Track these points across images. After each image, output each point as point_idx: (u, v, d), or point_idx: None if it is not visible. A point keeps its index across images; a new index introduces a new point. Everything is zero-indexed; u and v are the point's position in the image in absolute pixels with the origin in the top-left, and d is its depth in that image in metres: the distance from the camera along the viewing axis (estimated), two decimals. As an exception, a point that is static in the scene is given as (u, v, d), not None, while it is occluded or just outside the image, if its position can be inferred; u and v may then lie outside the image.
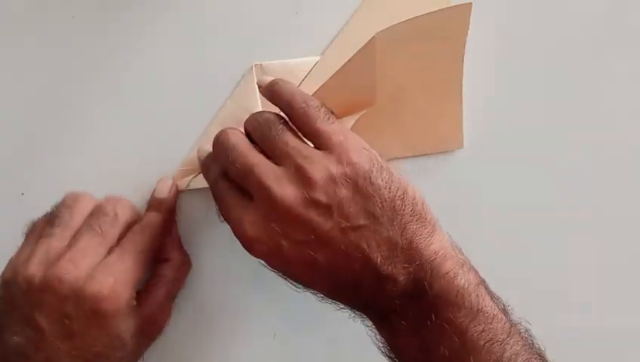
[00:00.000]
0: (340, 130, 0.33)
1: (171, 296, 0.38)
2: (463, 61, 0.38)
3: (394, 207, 0.31)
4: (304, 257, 0.31)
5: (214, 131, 0.39)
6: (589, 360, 0.41)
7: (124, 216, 0.35)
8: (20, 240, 0.37)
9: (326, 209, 0.31)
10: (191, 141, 0.39)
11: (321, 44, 0.39)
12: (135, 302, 0.35)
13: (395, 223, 0.31)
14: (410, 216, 0.31)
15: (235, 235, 0.33)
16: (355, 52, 0.34)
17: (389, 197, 0.31)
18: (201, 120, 0.39)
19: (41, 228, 0.35)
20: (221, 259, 0.39)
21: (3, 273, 0.34)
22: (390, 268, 0.31)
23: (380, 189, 0.31)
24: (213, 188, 0.35)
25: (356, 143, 0.32)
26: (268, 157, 0.33)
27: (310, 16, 0.40)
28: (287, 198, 0.31)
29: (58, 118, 0.39)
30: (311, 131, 0.33)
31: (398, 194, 0.31)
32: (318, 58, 0.39)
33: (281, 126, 0.33)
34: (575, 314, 0.41)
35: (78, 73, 0.39)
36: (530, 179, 0.41)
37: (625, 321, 0.41)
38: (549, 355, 0.32)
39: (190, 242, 0.39)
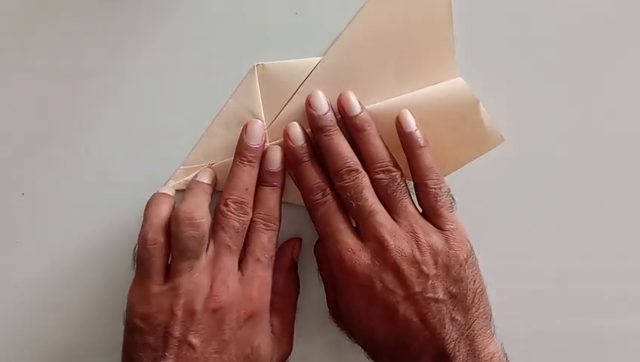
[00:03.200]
0: (455, 219, 0.37)
1: (285, 322, 0.38)
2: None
3: (473, 299, 0.35)
4: (388, 303, 0.35)
5: (216, 131, 0.39)
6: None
7: (247, 223, 0.36)
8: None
9: (424, 275, 0.35)
10: (192, 141, 0.39)
11: (321, 44, 0.39)
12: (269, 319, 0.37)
13: (468, 313, 0.35)
14: (482, 313, 0.35)
15: (337, 257, 0.35)
16: (357, 52, 0.36)
17: (471, 289, 0.35)
18: (202, 120, 0.39)
19: (163, 259, 0.35)
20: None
21: (135, 307, 0.34)
22: (454, 351, 0.34)
23: (468, 278, 0.35)
24: (320, 199, 0.36)
25: (463, 235, 0.36)
26: (383, 201, 0.37)
27: (310, 16, 0.40)
28: (398, 250, 0.35)
29: (58, 117, 0.39)
30: (433, 210, 0.37)
31: (478, 289, 0.36)
32: (319, 59, 0.39)
33: (405, 189, 0.37)
34: (576, 315, 0.41)
35: (78, 73, 0.39)
36: (531, 180, 0.41)
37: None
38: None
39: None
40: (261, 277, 0.36)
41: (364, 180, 0.36)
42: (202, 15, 0.40)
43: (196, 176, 0.38)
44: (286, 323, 0.38)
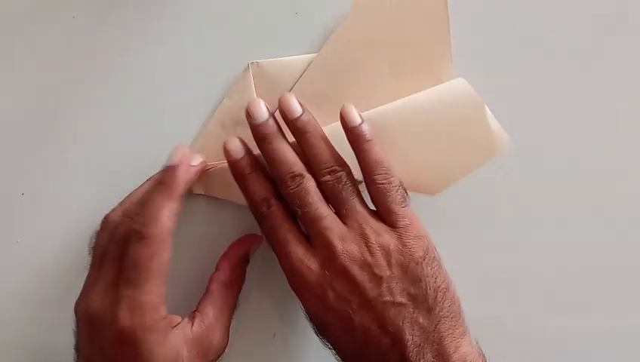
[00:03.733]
0: (409, 214, 0.35)
1: (222, 313, 0.36)
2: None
3: (435, 297, 0.33)
4: (343, 312, 0.33)
5: (212, 130, 0.39)
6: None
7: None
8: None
9: (377, 278, 0.33)
10: (189, 140, 0.39)
11: (321, 44, 0.39)
12: (175, 324, 0.34)
13: (432, 314, 0.33)
14: (448, 311, 0.33)
15: (288, 269, 0.34)
16: (352, 48, 0.36)
17: (433, 287, 0.33)
18: (202, 120, 0.39)
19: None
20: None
21: None
22: (418, 357, 0.32)
23: (427, 277, 0.33)
24: (265, 211, 0.35)
25: (418, 230, 0.34)
26: (331, 204, 0.35)
27: (310, 16, 0.40)
28: (347, 255, 0.33)
29: (58, 117, 0.39)
30: (384, 207, 0.35)
31: (441, 286, 0.33)
32: (313, 55, 0.39)
33: (352, 188, 0.35)
34: (576, 315, 0.41)
35: (78, 73, 0.39)
36: (530, 180, 0.41)
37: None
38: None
39: (189, 243, 0.39)
40: (128, 297, 0.33)
41: (309, 184, 0.35)
42: (202, 15, 0.40)
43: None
44: (222, 314, 0.36)
